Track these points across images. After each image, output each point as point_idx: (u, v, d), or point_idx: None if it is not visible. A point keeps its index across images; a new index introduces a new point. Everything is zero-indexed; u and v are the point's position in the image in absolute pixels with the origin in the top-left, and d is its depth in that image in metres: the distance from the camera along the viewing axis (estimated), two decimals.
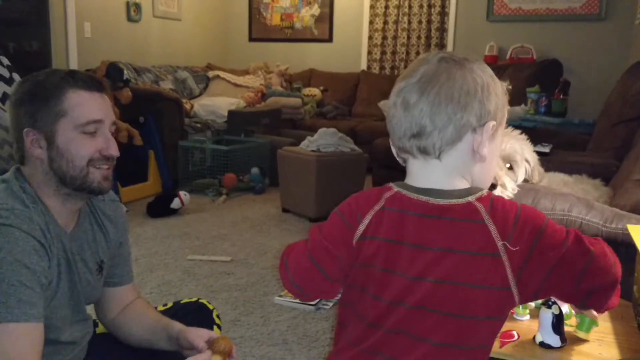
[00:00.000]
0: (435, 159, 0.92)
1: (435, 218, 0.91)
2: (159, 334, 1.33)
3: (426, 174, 0.94)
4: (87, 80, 1.20)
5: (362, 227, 0.96)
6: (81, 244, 1.27)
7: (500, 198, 0.92)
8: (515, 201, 0.93)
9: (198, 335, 1.25)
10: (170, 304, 1.50)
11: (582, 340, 1.24)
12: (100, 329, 1.46)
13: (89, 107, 1.19)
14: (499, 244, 0.87)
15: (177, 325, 1.31)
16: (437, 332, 0.90)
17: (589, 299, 0.93)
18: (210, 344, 1.21)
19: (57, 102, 1.16)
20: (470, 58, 0.94)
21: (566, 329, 1.24)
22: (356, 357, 0.96)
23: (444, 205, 0.91)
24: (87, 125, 1.18)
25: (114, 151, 1.22)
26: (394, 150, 0.99)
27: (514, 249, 0.86)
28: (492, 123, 0.92)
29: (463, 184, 0.94)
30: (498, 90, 0.93)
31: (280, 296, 2.66)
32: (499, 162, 1.72)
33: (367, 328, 0.95)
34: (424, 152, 0.92)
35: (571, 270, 0.89)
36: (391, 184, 0.97)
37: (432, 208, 0.91)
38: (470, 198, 0.90)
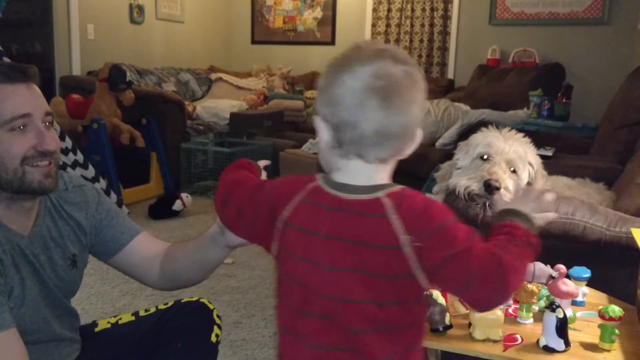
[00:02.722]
0: (361, 159, 0.95)
1: (344, 212, 0.94)
2: (203, 245, 1.32)
3: (353, 169, 0.96)
4: (8, 73, 1.09)
5: (286, 214, 1.00)
6: (45, 243, 1.21)
7: (413, 193, 0.94)
8: (434, 199, 0.95)
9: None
10: (171, 303, 1.50)
11: (586, 344, 1.24)
12: (100, 327, 1.45)
13: (13, 101, 1.08)
14: (402, 237, 0.89)
15: (211, 227, 1.31)
16: (358, 319, 0.94)
17: (470, 304, 0.98)
18: None
19: None
20: (404, 54, 0.97)
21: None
22: (286, 346, 1.04)
23: (351, 200, 0.94)
24: (13, 122, 1.08)
25: (51, 145, 1.12)
26: (327, 140, 0.97)
27: (417, 244, 0.89)
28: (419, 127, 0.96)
29: (387, 179, 0.97)
30: (423, 90, 0.97)
31: None
32: (502, 165, 1.72)
33: (294, 315, 1.01)
34: (361, 157, 0.94)
35: (455, 278, 0.90)
36: (316, 176, 1.01)
37: (342, 202, 0.95)
38: (380, 193, 0.93)
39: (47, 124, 1.15)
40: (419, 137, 0.97)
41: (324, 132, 0.96)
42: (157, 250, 1.38)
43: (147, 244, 1.38)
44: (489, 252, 0.89)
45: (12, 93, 1.08)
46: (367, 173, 0.96)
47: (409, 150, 0.97)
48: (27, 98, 1.10)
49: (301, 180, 1.01)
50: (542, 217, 1.05)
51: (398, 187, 0.94)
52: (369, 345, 0.94)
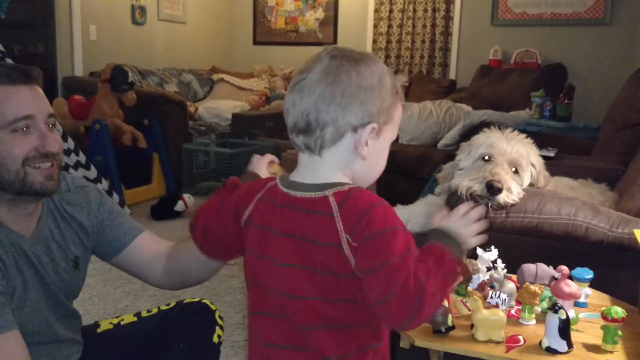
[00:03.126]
0: (317, 155, 0.98)
1: (293, 209, 0.97)
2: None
3: (309, 169, 1.00)
4: (11, 74, 1.09)
5: (247, 213, 1.03)
6: (47, 245, 1.21)
7: (360, 194, 0.94)
8: (381, 202, 0.93)
9: None
10: (173, 304, 1.50)
11: (589, 346, 1.24)
12: (102, 328, 1.46)
13: (16, 102, 1.08)
14: (342, 236, 0.91)
15: None
16: (308, 316, 0.95)
17: (379, 316, 0.95)
18: None
19: None
20: (363, 56, 0.97)
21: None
22: (253, 350, 1.05)
23: (300, 198, 0.97)
24: (16, 123, 1.09)
25: (53, 147, 1.12)
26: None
27: (354, 244, 0.90)
28: (371, 126, 0.96)
29: (340, 179, 0.98)
30: (383, 92, 0.96)
31: None
32: (505, 166, 1.72)
33: (250, 315, 1.04)
34: (307, 148, 0.98)
35: (375, 289, 0.89)
36: (270, 177, 1.06)
37: (292, 200, 0.98)
38: (327, 192, 0.95)
39: (50, 125, 1.15)
40: (361, 135, 0.96)
41: None
42: (161, 249, 1.39)
43: (150, 243, 1.39)
44: (416, 276, 0.88)
45: (14, 94, 1.08)
46: (314, 167, 0.98)
47: (340, 147, 0.96)
48: (29, 100, 1.10)
49: (263, 180, 1.07)
50: (472, 239, 1.04)
51: (347, 187, 0.95)
52: (320, 343, 0.95)
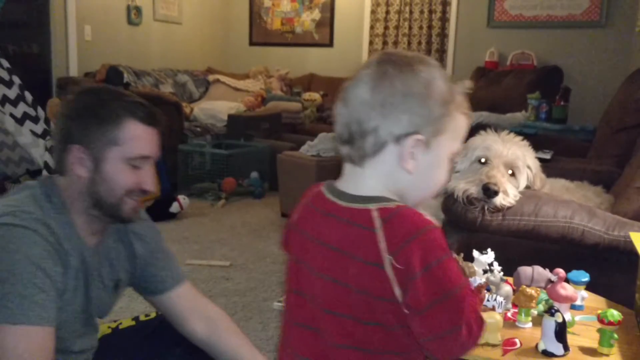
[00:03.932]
0: (358, 167, 0.93)
1: (334, 218, 0.92)
2: None
3: (352, 179, 0.95)
4: (149, 115, 1.21)
5: (294, 218, 1.02)
6: (101, 260, 1.27)
7: (409, 213, 0.88)
8: (433, 225, 0.87)
9: None
10: None
11: (585, 349, 1.23)
12: (100, 332, 1.44)
13: (143, 142, 1.19)
14: (385, 256, 0.85)
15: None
16: (338, 333, 0.92)
17: (429, 350, 0.91)
18: None
19: (114, 129, 1.16)
20: (413, 61, 0.91)
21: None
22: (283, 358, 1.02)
23: (343, 207, 0.92)
24: (136, 160, 1.19)
25: (151, 187, 1.23)
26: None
27: (399, 267, 0.84)
28: (415, 137, 0.89)
29: (384, 193, 0.91)
30: (431, 101, 0.89)
31: (279, 301, 2.64)
32: (501, 168, 1.71)
33: (289, 325, 1.00)
34: (350, 159, 0.94)
35: (436, 324, 0.86)
36: (324, 182, 1.00)
37: (333, 208, 0.93)
38: (371, 205, 0.89)
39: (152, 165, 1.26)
40: (404, 147, 0.89)
41: None
42: (198, 306, 1.42)
43: (187, 297, 1.42)
44: (473, 312, 0.87)
45: (145, 134, 1.20)
46: (356, 178, 0.93)
47: (383, 159, 0.91)
48: (153, 143, 1.22)
49: (313, 186, 1.02)
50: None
51: (394, 204, 0.89)
52: None
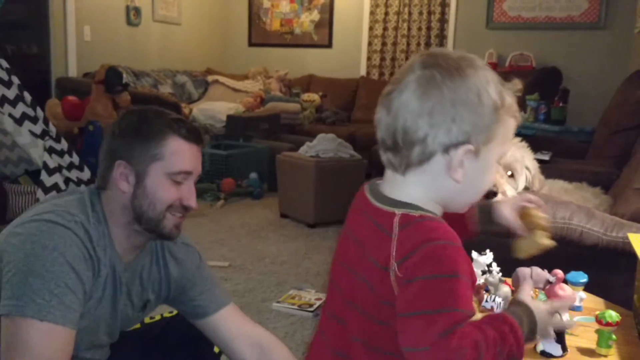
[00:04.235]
0: (400, 175, 0.90)
1: (366, 215, 0.93)
2: None
3: (391, 182, 0.92)
4: (191, 132, 1.23)
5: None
6: (133, 277, 1.29)
7: (425, 225, 0.85)
8: (447, 242, 0.84)
9: None
10: (175, 312, 1.49)
11: (583, 349, 1.23)
12: None
13: (185, 158, 1.22)
14: (392, 262, 0.84)
15: None
16: (357, 330, 0.92)
17: None
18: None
19: (157, 145, 1.19)
20: (461, 65, 0.86)
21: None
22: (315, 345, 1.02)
23: (375, 207, 0.91)
24: (178, 175, 1.21)
25: (194, 203, 1.25)
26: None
27: (400, 276, 0.83)
28: (466, 147, 0.85)
29: (418, 201, 0.89)
30: (482, 109, 0.85)
31: (278, 302, 2.64)
32: (500, 170, 1.72)
33: (323, 316, 1.02)
34: (392, 166, 0.90)
35: (403, 334, 0.84)
36: (368, 182, 0.99)
37: (369, 207, 0.93)
38: (397, 210, 0.87)
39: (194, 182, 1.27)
40: (454, 157, 0.86)
41: None
42: (246, 330, 1.42)
43: (233, 320, 1.42)
44: (462, 340, 0.79)
45: (187, 150, 1.22)
46: (395, 182, 0.91)
47: (424, 171, 0.87)
48: (195, 159, 1.24)
49: (365, 182, 1.01)
50: (553, 323, 0.95)
51: (418, 212, 0.87)
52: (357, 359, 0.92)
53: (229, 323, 1.41)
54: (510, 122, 0.91)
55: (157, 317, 1.50)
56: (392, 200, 0.90)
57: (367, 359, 0.91)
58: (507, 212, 1.15)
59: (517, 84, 0.92)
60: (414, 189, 0.89)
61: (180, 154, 1.21)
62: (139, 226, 1.22)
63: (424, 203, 0.89)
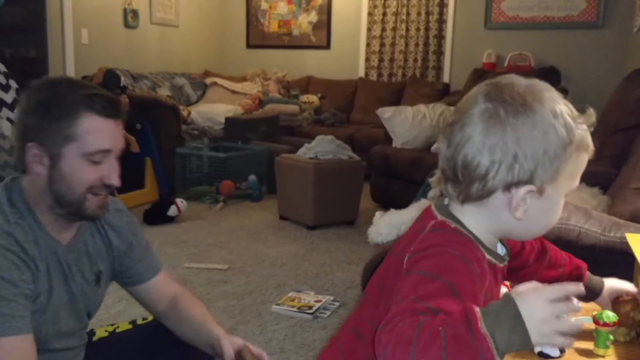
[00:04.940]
0: (458, 205, 0.88)
1: (417, 220, 0.94)
2: (202, 338, 1.31)
3: (453, 205, 0.90)
4: (106, 106, 1.14)
5: None
6: (79, 255, 1.26)
7: (445, 235, 0.84)
8: (461, 252, 0.81)
9: (230, 343, 1.24)
10: None
11: (581, 350, 1.23)
12: (97, 336, 1.45)
13: (102, 135, 1.14)
14: (406, 253, 0.84)
15: (216, 331, 1.28)
16: (374, 309, 0.92)
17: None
18: (238, 357, 1.21)
19: (70, 125, 1.11)
20: (527, 100, 0.81)
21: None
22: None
23: (429, 215, 0.91)
24: (96, 155, 1.14)
25: (116, 181, 1.18)
26: None
27: (404, 267, 0.83)
28: (528, 187, 0.82)
29: (471, 225, 0.86)
30: (549, 146, 0.81)
31: (278, 304, 2.64)
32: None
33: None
34: (450, 196, 0.88)
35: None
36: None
37: (426, 210, 0.94)
38: (440, 216, 0.88)
39: (116, 158, 1.21)
40: (514, 196, 0.82)
41: None
42: (171, 292, 1.42)
43: (163, 285, 1.42)
44: (411, 327, 0.71)
45: (103, 128, 1.14)
46: (456, 209, 0.89)
47: (485, 205, 0.85)
48: (113, 135, 1.16)
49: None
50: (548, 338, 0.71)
51: (454, 224, 0.86)
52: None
53: (158, 288, 1.40)
54: (582, 157, 0.86)
55: (150, 318, 1.49)
56: (449, 212, 0.88)
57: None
58: (603, 303, 1.24)
59: (591, 115, 0.88)
60: (470, 217, 0.87)
61: (96, 132, 1.13)
62: (61, 210, 1.16)
63: (475, 229, 0.86)
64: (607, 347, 1.22)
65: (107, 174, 1.16)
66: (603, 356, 1.21)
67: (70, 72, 4.91)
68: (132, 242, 1.36)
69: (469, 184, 0.83)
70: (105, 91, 1.18)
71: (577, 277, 1.18)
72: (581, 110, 0.88)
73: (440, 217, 0.87)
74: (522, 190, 0.82)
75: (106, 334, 1.47)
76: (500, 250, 0.95)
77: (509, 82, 0.86)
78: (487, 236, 0.88)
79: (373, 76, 6.45)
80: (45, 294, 1.17)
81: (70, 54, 4.91)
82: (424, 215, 0.92)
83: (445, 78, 6.10)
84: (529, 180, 0.81)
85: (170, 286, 1.43)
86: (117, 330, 1.48)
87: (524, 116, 0.80)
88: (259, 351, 1.27)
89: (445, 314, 0.71)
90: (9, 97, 3.24)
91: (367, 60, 6.46)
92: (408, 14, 6.19)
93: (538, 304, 0.71)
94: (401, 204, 2.07)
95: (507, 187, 0.82)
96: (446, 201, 0.91)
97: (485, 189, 0.83)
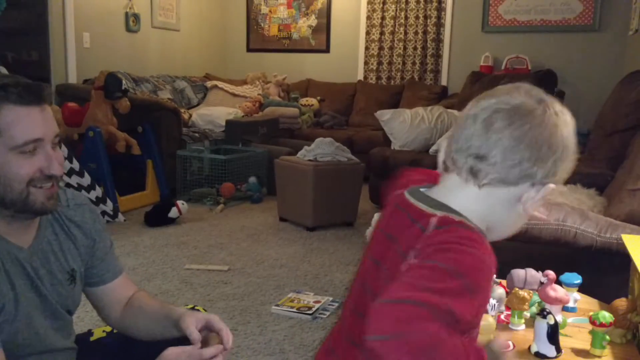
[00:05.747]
0: (476, 186, 0.88)
1: (403, 212, 0.91)
2: (164, 322, 1.26)
3: (449, 188, 0.90)
4: (23, 94, 1.05)
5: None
6: (45, 256, 1.20)
7: (459, 230, 0.83)
8: (477, 250, 0.80)
9: (193, 321, 1.17)
10: None
11: (577, 350, 1.25)
12: (95, 336, 1.44)
13: (26, 125, 1.06)
14: (412, 251, 0.82)
15: (178, 311, 1.23)
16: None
17: None
18: (205, 341, 1.17)
19: None
20: (521, 109, 0.87)
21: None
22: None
23: (415, 207, 0.89)
24: (25, 146, 1.06)
25: (57, 170, 1.10)
26: (442, 154, 0.94)
27: (410, 262, 0.81)
28: (553, 185, 0.87)
29: (466, 212, 0.86)
30: (570, 152, 0.88)
31: (277, 305, 2.66)
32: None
33: (345, 313, 1.00)
34: (473, 174, 0.87)
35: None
36: (405, 188, 0.97)
37: (408, 205, 0.91)
38: (439, 212, 0.85)
39: (54, 145, 1.14)
40: (537, 194, 0.87)
41: None
42: (127, 295, 1.37)
43: (122, 289, 1.37)
44: (434, 339, 0.70)
45: (26, 117, 1.06)
46: (455, 191, 0.89)
47: (492, 193, 0.87)
48: (40, 122, 1.08)
49: (393, 190, 1.00)
50: None
51: (460, 217, 0.85)
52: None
53: (117, 292, 1.34)
54: (569, 166, 0.91)
55: None
56: (437, 202, 0.88)
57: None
58: None
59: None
60: (475, 203, 0.88)
61: (19, 123, 1.04)
62: (8, 211, 1.09)
63: (473, 217, 0.87)
64: (603, 347, 1.24)
65: (45, 164, 1.09)
66: (599, 356, 1.23)
67: (72, 75, 4.93)
68: (96, 239, 1.31)
69: (509, 170, 0.85)
70: (21, 78, 1.09)
71: None
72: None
73: (440, 213, 0.85)
74: (550, 186, 0.86)
75: (104, 334, 1.45)
76: None
77: (505, 92, 0.92)
78: (481, 224, 0.89)
79: (372, 79, 6.47)
80: (11, 303, 1.12)
81: (72, 57, 4.93)
82: (414, 212, 0.89)
83: (443, 81, 6.13)
84: (556, 179, 0.87)
85: (129, 289, 1.39)
86: (115, 331, 1.46)
87: (515, 128, 0.86)
88: (225, 329, 1.18)
89: (456, 320, 0.73)
90: None
91: (366, 63, 6.49)
92: (406, 17, 6.22)
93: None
94: None
95: (534, 183, 0.86)
96: (429, 190, 0.92)
97: (522, 179, 0.85)
